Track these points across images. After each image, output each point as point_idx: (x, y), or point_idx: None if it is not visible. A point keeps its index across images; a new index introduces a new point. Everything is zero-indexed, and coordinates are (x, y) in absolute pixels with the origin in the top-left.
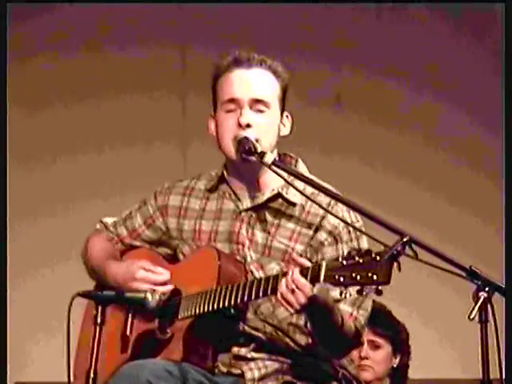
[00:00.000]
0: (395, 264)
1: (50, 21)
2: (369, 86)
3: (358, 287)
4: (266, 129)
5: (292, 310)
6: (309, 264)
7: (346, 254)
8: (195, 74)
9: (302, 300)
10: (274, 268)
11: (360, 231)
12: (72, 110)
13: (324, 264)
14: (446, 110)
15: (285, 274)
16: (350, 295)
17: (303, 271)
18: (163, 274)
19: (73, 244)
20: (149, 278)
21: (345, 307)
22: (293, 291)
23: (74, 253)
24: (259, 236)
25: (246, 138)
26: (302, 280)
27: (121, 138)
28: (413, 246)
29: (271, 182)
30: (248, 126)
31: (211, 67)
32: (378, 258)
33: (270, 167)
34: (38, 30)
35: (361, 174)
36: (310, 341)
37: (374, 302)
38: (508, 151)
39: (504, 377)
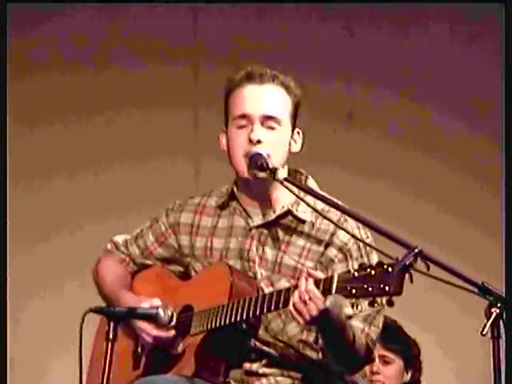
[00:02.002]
0: (407, 275)
1: (55, 35)
2: (381, 102)
3: (369, 299)
4: (277, 145)
5: (302, 321)
6: (322, 276)
7: (357, 266)
8: (207, 89)
9: (314, 312)
10: (283, 285)
11: (370, 246)
12: (83, 125)
13: (336, 276)
14: (457, 126)
15: (297, 287)
16: (362, 308)
17: (315, 282)
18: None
19: (83, 261)
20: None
21: (356, 323)
22: (305, 302)
23: (85, 270)
24: (269, 253)
25: (258, 153)
26: (317, 292)
27: (132, 154)
28: (424, 259)
29: (281, 199)
30: (259, 142)
31: (223, 82)
32: (389, 269)
33: (282, 183)
34: (42, 43)
35: (371, 190)
36: (320, 357)
37: (385, 317)
38: (508, 162)
39: None
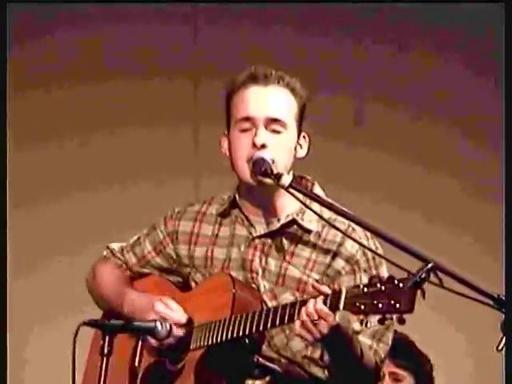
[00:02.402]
0: (419, 292)
1: (52, 51)
2: (386, 116)
3: (379, 316)
4: (282, 150)
5: (311, 339)
6: (329, 291)
7: (366, 281)
8: (208, 104)
9: (325, 330)
10: (287, 298)
11: (380, 256)
12: (79, 146)
13: (344, 291)
14: (463, 141)
15: (304, 302)
16: (371, 324)
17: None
18: (181, 315)
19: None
20: (166, 314)
21: (364, 339)
22: (315, 320)
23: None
24: (273, 264)
25: (262, 158)
26: (326, 309)
27: (131, 175)
28: (438, 272)
29: (286, 207)
30: (263, 146)
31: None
32: (400, 285)
33: (287, 189)
34: (38, 61)
35: (373, 205)
36: (326, 374)
37: (395, 331)
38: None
39: None
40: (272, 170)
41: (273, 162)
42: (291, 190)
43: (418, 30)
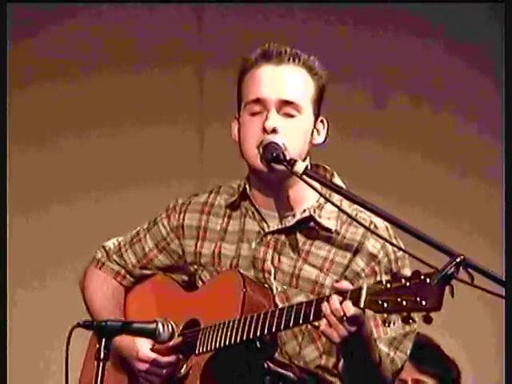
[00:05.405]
0: (447, 288)
1: (52, 43)
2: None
3: (403, 314)
4: (295, 135)
5: (336, 339)
6: (349, 286)
7: (390, 275)
8: (213, 102)
9: (352, 329)
10: (301, 301)
11: (406, 252)
12: (76, 143)
13: (365, 287)
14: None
15: (321, 300)
16: (393, 325)
17: (341, 295)
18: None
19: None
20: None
21: (380, 346)
22: (341, 319)
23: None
24: (286, 264)
25: (273, 142)
26: (355, 309)
27: (133, 176)
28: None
29: (302, 200)
30: (274, 131)
31: (230, 90)
32: (427, 280)
33: (301, 177)
34: (38, 52)
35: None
36: None
37: (419, 334)
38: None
39: None
40: (285, 156)
41: (285, 148)
42: (306, 179)
43: (417, 30)
